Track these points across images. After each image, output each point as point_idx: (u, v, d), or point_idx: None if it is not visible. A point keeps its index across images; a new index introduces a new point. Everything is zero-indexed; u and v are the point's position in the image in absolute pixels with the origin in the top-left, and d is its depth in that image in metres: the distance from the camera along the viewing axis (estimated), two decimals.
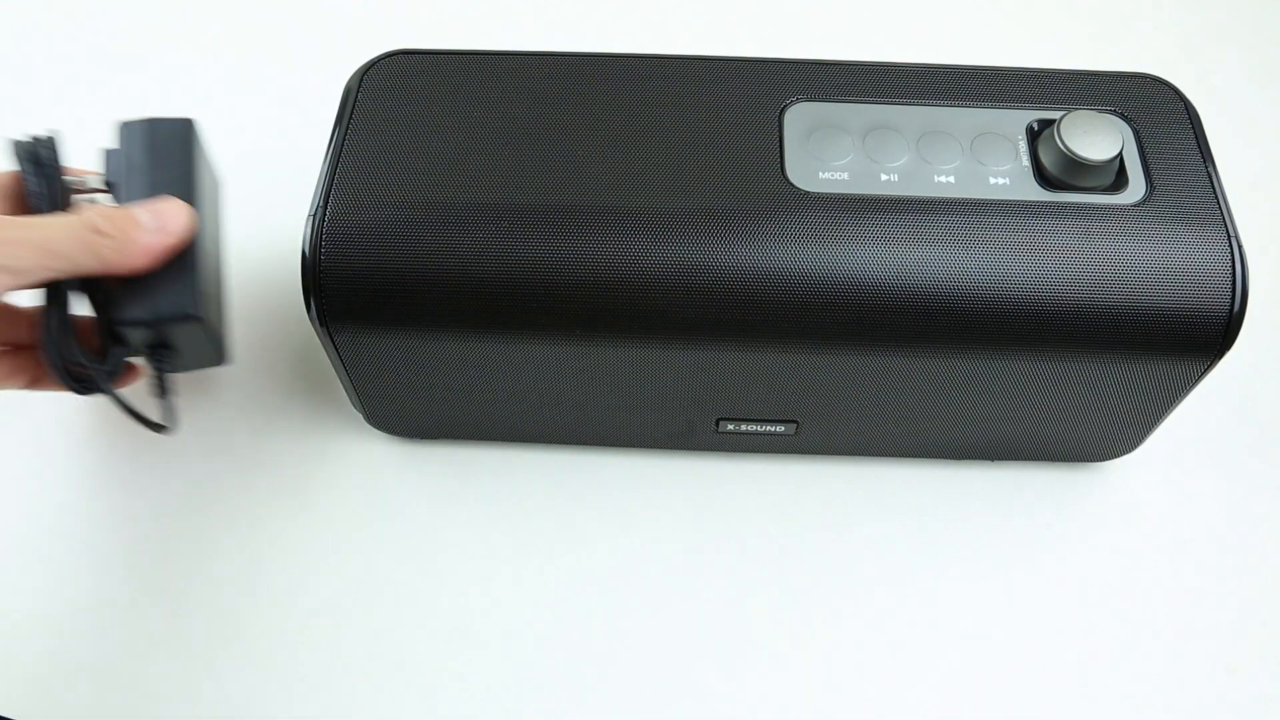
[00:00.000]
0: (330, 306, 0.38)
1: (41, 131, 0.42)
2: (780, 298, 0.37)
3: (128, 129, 0.43)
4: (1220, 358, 0.38)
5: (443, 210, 0.38)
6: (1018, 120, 0.41)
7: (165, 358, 0.42)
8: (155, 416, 0.43)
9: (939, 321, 0.37)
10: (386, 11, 0.65)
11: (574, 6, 0.66)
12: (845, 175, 0.39)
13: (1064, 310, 0.37)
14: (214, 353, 0.44)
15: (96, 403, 0.46)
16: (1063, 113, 0.39)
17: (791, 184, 0.39)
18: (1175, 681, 0.43)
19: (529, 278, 0.37)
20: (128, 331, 0.40)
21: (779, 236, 0.37)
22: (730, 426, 0.45)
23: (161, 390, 0.43)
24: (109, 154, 0.43)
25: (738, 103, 0.41)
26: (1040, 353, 0.38)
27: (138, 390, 0.43)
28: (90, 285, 0.40)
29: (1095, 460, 0.48)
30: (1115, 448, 0.46)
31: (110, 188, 0.42)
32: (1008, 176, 0.39)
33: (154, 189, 0.41)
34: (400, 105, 0.41)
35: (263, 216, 0.55)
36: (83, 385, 0.41)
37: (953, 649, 0.44)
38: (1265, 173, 0.58)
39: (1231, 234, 0.37)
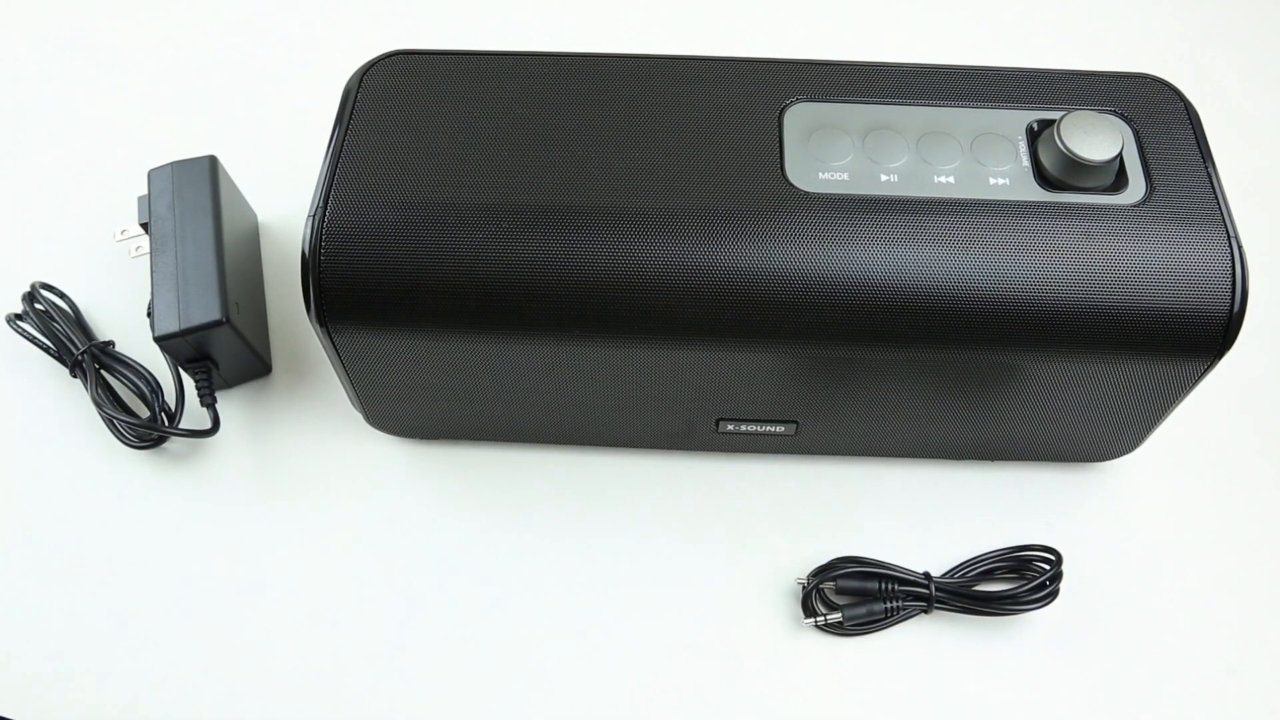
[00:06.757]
0: (330, 306, 0.38)
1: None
2: (780, 298, 0.37)
3: (156, 174, 0.49)
4: (1220, 358, 0.38)
5: (442, 210, 0.38)
6: (1018, 120, 0.41)
7: (208, 370, 0.47)
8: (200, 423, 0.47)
9: (939, 322, 0.37)
10: (386, 11, 0.65)
11: (573, 6, 0.66)
12: (845, 175, 0.39)
13: (1064, 310, 0.37)
14: (256, 362, 0.49)
15: (92, 407, 0.47)
16: (1063, 113, 0.39)
17: (791, 184, 0.38)
18: (1175, 681, 0.43)
19: (529, 278, 0.37)
20: (167, 346, 0.45)
21: (778, 237, 0.37)
22: (730, 426, 0.45)
23: (211, 399, 0.47)
24: (140, 200, 0.49)
25: (737, 103, 0.41)
26: (1040, 353, 0.38)
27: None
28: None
29: (1095, 460, 0.48)
30: (1115, 448, 0.46)
31: (145, 228, 0.48)
32: (1008, 177, 0.39)
33: (179, 221, 0.47)
34: (400, 105, 0.41)
35: (262, 216, 0.56)
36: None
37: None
38: (1265, 173, 0.58)
39: (1231, 234, 0.37)
